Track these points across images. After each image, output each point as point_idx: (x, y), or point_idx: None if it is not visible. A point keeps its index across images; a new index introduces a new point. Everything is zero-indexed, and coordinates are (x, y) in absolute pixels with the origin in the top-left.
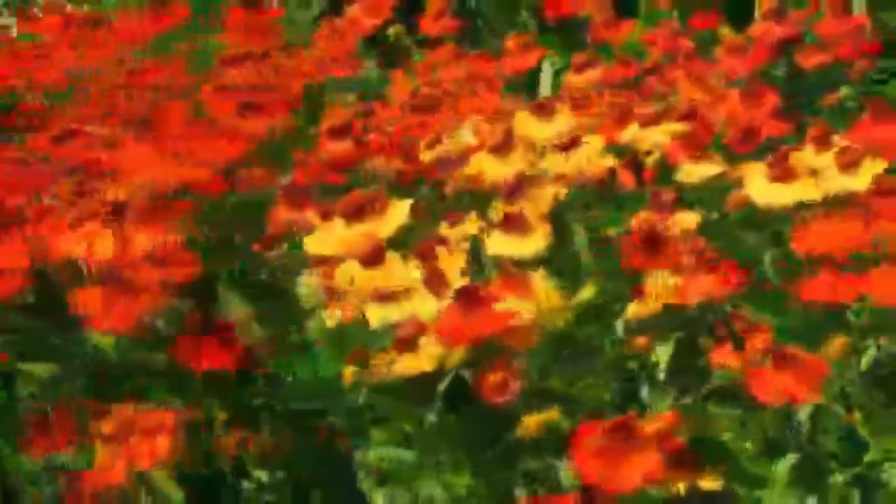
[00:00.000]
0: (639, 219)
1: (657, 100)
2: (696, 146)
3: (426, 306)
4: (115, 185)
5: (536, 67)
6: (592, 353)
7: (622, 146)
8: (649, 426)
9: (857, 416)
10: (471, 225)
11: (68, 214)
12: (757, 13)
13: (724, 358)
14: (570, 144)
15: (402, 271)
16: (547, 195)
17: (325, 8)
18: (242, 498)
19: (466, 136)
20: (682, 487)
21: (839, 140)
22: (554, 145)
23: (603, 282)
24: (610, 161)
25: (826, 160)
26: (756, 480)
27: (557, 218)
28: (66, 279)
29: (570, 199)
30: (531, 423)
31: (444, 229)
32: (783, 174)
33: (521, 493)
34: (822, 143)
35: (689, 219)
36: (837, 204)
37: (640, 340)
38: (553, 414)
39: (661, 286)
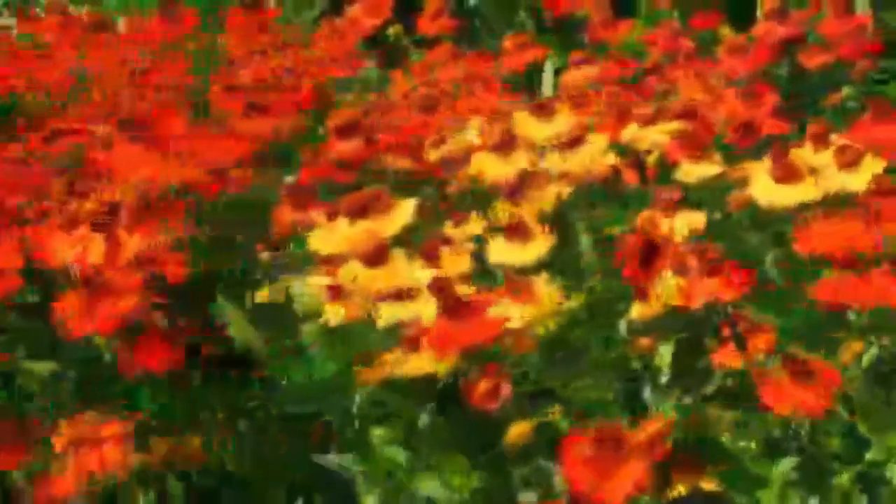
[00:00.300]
0: (642, 218)
1: (657, 99)
2: (696, 146)
3: (428, 309)
4: (109, 185)
5: (535, 67)
6: (583, 355)
7: (623, 145)
8: (638, 435)
9: (859, 414)
10: (474, 225)
11: (60, 216)
12: (759, 13)
13: (726, 359)
14: (572, 143)
15: (407, 271)
16: (549, 194)
17: (326, 8)
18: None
19: (470, 136)
20: (682, 489)
21: (838, 139)
22: (557, 144)
23: (606, 281)
24: (612, 160)
25: (825, 158)
26: (756, 481)
27: (560, 217)
28: (59, 280)
29: (573, 199)
30: (518, 431)
31: (448, 229)
32: (787, 174)
33: (521, 497)
34: (821, 141)
35: (695, 219)
36: (837, 203)
37: (644, 342)
38: (543, 418)
39: (664, 288)
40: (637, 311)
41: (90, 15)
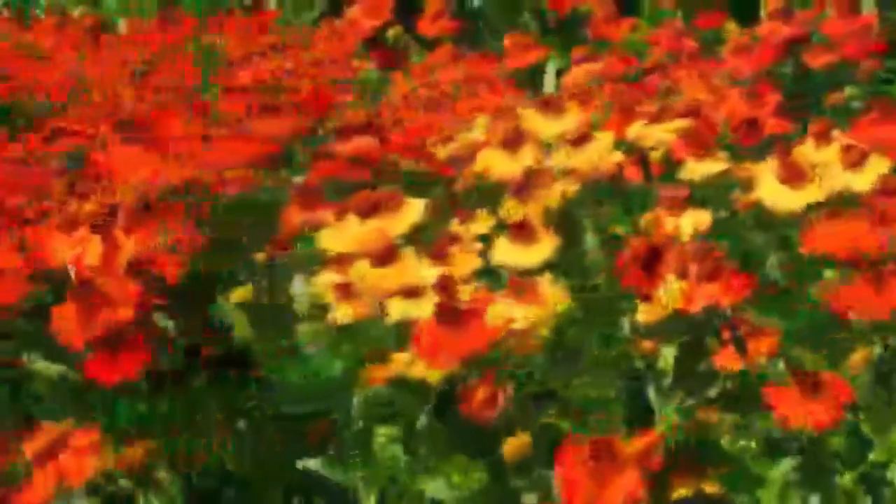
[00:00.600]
0: (646, 220)
1: (659, 97)
2: (701, 143)
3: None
4: (109, 186)
5: (537, 67)
6: (583, 353)
7: (629, 142)
8: (633, 444)
9: (862, 414)
10: (482, 223)
11: (59, 217)
12: (763, 13)
13: (728, 362)
14: (579, 140)
15: (416, 269)
16: (555, 192)
17: (325, 9)
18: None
19: (477, 133)
20: (683, 492)
21: (840, 136)
22: (565, 141)
23: (611, 279)
24: (619, 157)
25: (828, 156)
26: (757, 481)
27: (566, 215)
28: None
29: (579, 196)
30: (516, 444)
31: (455, 226)
32: (793, 176)
33: (525, 499)
34: (824, 139)
35: (700, 217)
36: (842, 203)
37: (647, 344)
38: (546, 419)
39: (666, 292)
40: (641, 313)
41: (89, 17)
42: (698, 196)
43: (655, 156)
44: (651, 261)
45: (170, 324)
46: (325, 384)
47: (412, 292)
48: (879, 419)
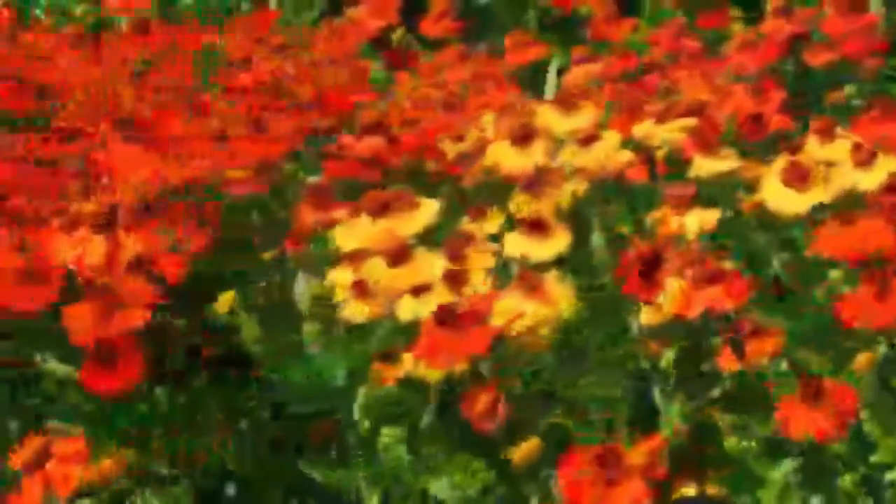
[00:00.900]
0: (652, 218)
1: (660, 96)
2: (707, 141)
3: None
4: (111, 185)
5: (538, 65)
6: (589, 351)
7: (637, 141)
8: (637, 453)
9: (865, 415)
10: (493, 221)
11: (61, 217)
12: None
13: (730, 363)
14: (588, 139)
15: (429, 268)
16: (566, 190)
17: (325, 9)
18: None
19: (486, 129)
20: (683, 493)
21: (845, 133)
22: (575, 139)
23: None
24: (629, 156)
25: (837, 154)
26: (757, 482)
27: (576, 214)
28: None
29: (588, 195)
30: (526, 449)
31: (466, 224)
32: (797, 178)
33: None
34: (827, 136)
35: (706, 216)
36: (850, 203)
37: (652, 345)
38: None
39: (667, 296)
40: (644, 314)
41: (91, 15)
42: (704, 195)
43: (661, 154)
44: (652, 265)
45: (180, 323)
46: (330, 384)
47: (423, 291)
48: (883, 421)
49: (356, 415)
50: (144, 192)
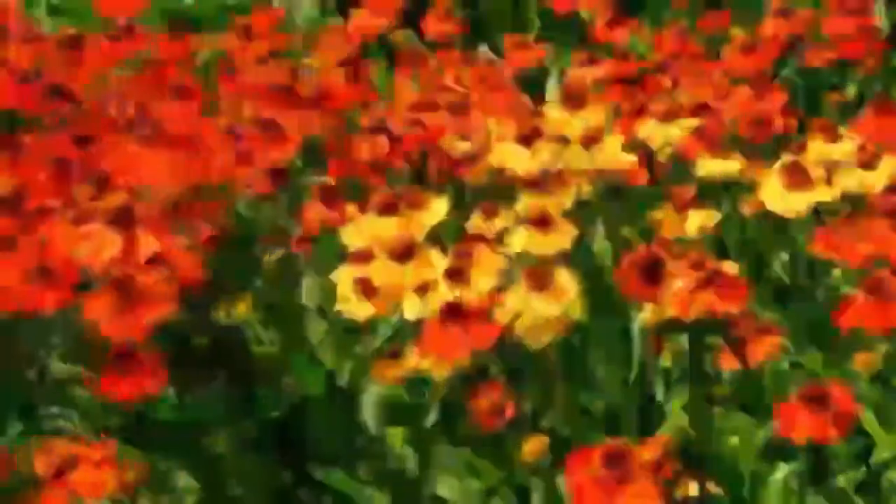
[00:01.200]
0: (654, 218)
1: (661, 98)
2: (713, 142)
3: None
4: (124, 185)
5: (539, 67)
6: (590, 352)
7: (639, 142)
8: (644, 453)
9: (866, 413)
10: (500, 220)
11: (74, 214)
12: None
13: (731, 363)
14: (593, 139)
15: (436, 267)
16: (571, 190)
17: (327, 10)
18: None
19: (491, 130)
20: (684, 492)
21: (846, 133)
22: (580, 139)
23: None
24: (632, 157)
25: (841, 154)
26: (758, 481)
27: (580, 214)
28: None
29: (592, 195)
30: (532, 448)
31: (475, 221)
32: (797, 179)
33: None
34: (829, 135)
35: (708, 216)
36: (851, 204)
37: (654, 347)
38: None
39: (666, 297)
40: (645, 313)
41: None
42: (706, 194)
43: (665, 155)
44: (651, 268)
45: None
46: (333, 383)
47: (428, 289)
48: (883, 420)
49: (363, 414)
50: (160, 190)
